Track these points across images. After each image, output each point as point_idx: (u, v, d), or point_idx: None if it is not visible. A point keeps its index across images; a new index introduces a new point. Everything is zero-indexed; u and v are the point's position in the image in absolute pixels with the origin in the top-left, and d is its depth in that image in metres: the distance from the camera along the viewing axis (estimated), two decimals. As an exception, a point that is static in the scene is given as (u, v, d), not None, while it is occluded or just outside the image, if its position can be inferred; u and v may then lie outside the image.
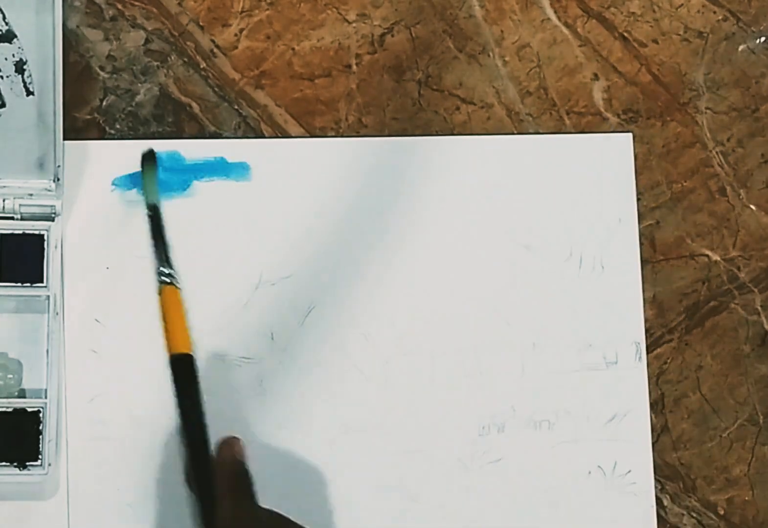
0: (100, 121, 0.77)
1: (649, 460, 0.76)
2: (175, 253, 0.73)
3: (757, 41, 0.81)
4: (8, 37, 0.70)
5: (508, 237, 0.78)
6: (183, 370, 0.70)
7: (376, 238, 0.77)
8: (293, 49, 0.79)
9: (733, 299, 0.79)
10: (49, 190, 0.73)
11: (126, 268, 0.75)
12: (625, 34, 0.81)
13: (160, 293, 0.71)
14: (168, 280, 0.71)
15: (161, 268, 0.71)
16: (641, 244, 0.79)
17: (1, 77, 0.70)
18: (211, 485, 0.67)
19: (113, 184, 0.76)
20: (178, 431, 0.69)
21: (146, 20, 0.78)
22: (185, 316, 0.71)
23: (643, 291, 0.78)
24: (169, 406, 0.73)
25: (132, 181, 0.76)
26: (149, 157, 0.74)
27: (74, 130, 0.76)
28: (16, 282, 0.72)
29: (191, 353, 0.70)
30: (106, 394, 0.74)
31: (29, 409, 0.71)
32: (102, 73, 0.77)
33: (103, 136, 0.77)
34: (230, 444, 0.69)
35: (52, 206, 0.73)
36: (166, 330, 0.70)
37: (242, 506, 0.67)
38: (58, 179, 0.73)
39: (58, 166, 0.72)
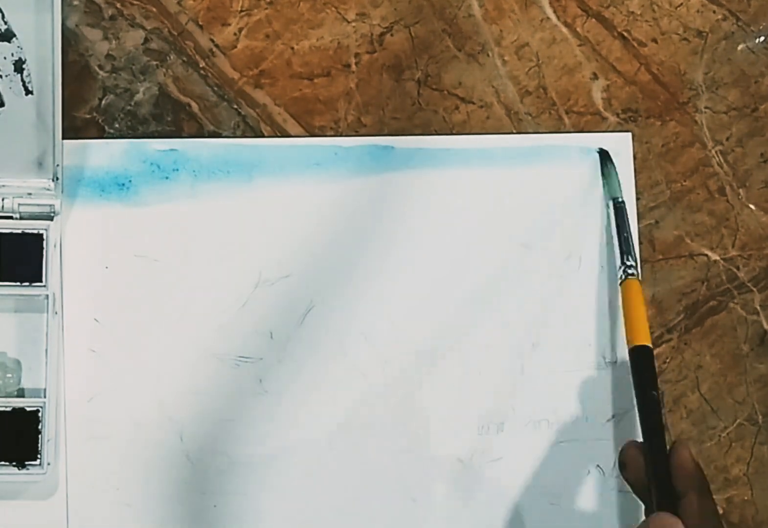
0: (99, 121, 0.77)
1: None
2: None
3: (757, 41, 0.81)
4: (7, 36, 0.69)
5: (507, 237, 0.78)
6: (643, 362, 0.71)
7: (376, 237, 0.77)
8: (292, 48, 0.79)
9: (732, 299, 0.79)
10: (48, 190, 0.73)
11: (125, 267, 0.75)
12: (625, 34, 0.81)
13: (622, 284, 0.73)
14: (632, 272, 0.73)
15: (626, 261, 0.74)
16: (640, 243, 0.79)
17: (0, 76, 0.70)
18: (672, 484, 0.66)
19: (112, 183, 0.76)
20: (639, 422, 0.69)
21: (145, 19, 0.78)
22: (645, 309, 0.72)
23: (643, 290, 0.78)
24: (168, 405, 0.73)
25: (130, 180, 0.76)
26: (607, 156, 0.78)
27: (73, 130, 0.76)
28: (15, 281, 0.72)
29: (650, 345, 0.71)
30: (106, 393, 0.74)
31: (28, 409, 0.71)
32: (101, 73, 0.77)
33: (102, 135, 0.77)
34: (685, 445, 0.68)
35: (51, 205, 0.73)
36: (628, 321, 0.72)
37: (708, 504, 0.66)
38: (57, 178, 0.73)
39: (57, 166, 0.72)
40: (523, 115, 0.80)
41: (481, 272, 0.77)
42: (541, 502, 0.76)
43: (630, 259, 0.74)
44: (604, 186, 0.78)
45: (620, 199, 0.76)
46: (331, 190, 0.77)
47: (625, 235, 0.75)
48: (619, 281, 0.74)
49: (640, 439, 0.75)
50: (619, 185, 0.77)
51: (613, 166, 0.78)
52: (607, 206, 0.77)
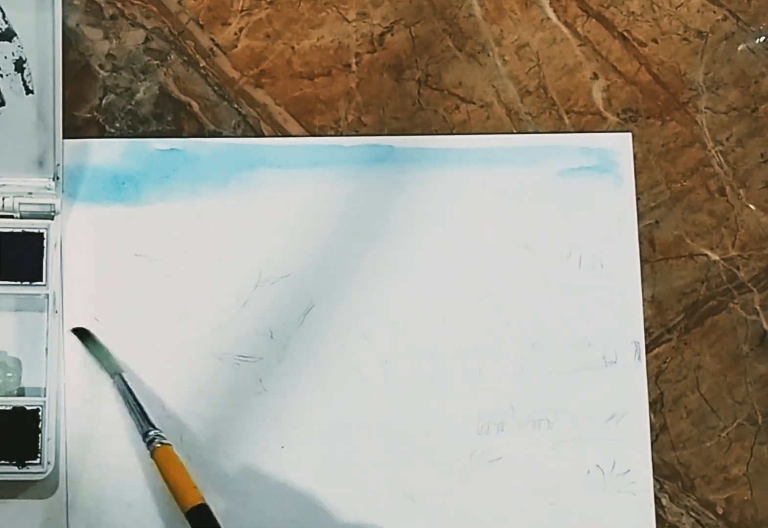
0: (100, 120, 0.77)
1: (647, 459, 0.76)
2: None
3: (757, 41, 0.81)
4: (8, 35, 0.70)
5: (507, 236, 0.78)
6: (203, 520, 0.69)
7: (376, 237, 0.77)
8: (293, 48, 0.79)
9: (732, 299, 0.79)
10: (49, 189, 0.73)
11: (125, 266, 0.75)
12: (625, 34, 0.81)
13: (154, 456, 0.71)
14: (159, 441, 0.71)
15: (148, 432, 0.71)
16: (640, 243, 0.79)
17: (1, 76, 0.70)
18: None
19: (112, 182, 0.76)
20: None
21: (146, 19, 0.78)
22: (185, 469, 0.71)
23: (643, 290, 0.78)
24: (170, 405, 0.73)
25: (130, 179, 0.76)
26: (83, 334, 0.74)
27: (74, 129, 0.76)
28: (16, 280, 0.72)
29: (204, 502, 0.69)
30: (105, 393, 0.74)
31: (28, 408, 0.71)
32: (102, 72, 0.77)
33: (102, 134, 0.77)
34: None
35: (51, 205, 0.73)
36: (174, 488, 0.70)
37: None
38: (58, 178, 0.73)
39: (58, 165, 0.72)
40: (524, 115, 0.80)
41: (481, 272, 0.77)
42: (541, 502, 0.76)
43: (151, 428, 0.71)
44: (100, 366, 0.73)
45: (120, 374, 0.73)
46: (331, 189, 0.77)
47: (138, 406, 0.72)
48: (150, 454, 0.71)
49: (639, 439, 0.76)
50: (114, 359, 0.73)
51: (98, 341, 0.73)
52: (114, 384, 0.73)
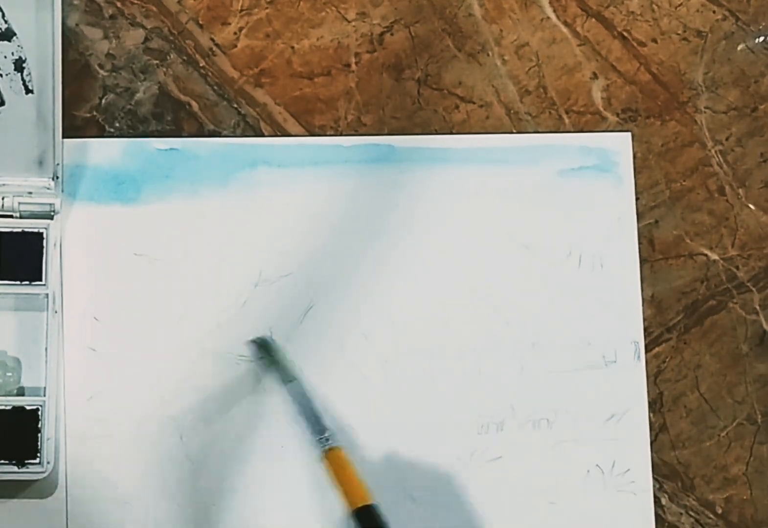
0: (100, 120, 0.77)
1: (647, 459, 0.76)
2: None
3: (757, 40, 0.81)
4: (7, 35, 0.70)
5: (507, 236, 0.78)
6: (371, 520, 0.70)
7: (376, 237, 0.77)
8: (293, 47, 0.79)
9: (731, 298, 0.79)
10: (49, 189, 0.73)
11: (125, 266, 0.75)
12: (625, 34, 0.81)
13: (326, 458, 0.72)
14: (331, 444, 0.72)
15: (321, 436, 0.72)
16: (640, 243, 0.79)
17: (1, 75, 0.70)
18: None
19: (112, 182, 0.76)
20: None
21: (145, 19, 0.78)
22: (355, 470, 0.72)
23: (642, 290, 0.78)
24: (167, 403, 0.73)
25: (130, 179, 0.76)
26: (266, 346, 0.75)
27: (73, 129, 0.76)
28: (15, 280, 0.72)
29: (373, 502, 0.70)
30: (105, 392, 0.74)
31: (28, 407, 0.71)
32: (101, 72, 0.77)
33: (102, 134, 0.77)
34: None
35: (51, 204, 0.73)
36: (344, 489, 0.71)
37: None
38: (58, 177, 0.73)
39: (58, 164, 0.72)
40: (523, 114, 0.80)
41: (481, 271, 0.77)
42: (541, 501, 0.76)
43: (325, 431, 0.73)
44: (277, 373, 0.74)
45: (296, 379, 0.74)
46: (331, 189, 0.77)
47: (313, 412, 0.73)
48: (321, 457, 0.72)
49: (639, 438, 0.76)
50: (288, 366, 0.74)
51: (279, 351, 0.75)
52: (290, 391, 0.74)
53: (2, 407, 0.71)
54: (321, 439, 0.72)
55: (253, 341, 0.75)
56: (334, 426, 0.74)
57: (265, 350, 0.74)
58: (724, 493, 0.78)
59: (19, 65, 0.70)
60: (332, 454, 0.72)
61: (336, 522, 0.74)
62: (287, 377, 0.74)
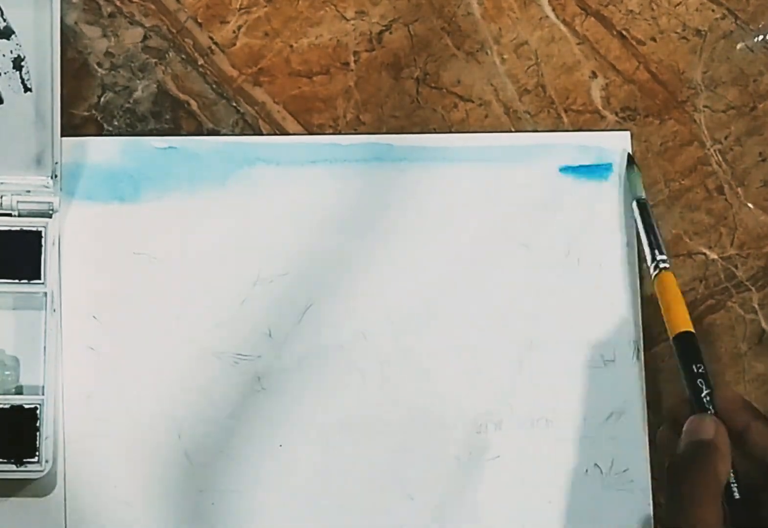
0: (98, 118, 0.77)
1: (646, 458, 0.76)
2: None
3: (756, 39, 0.81)
4: (6, 33, 0.69)
5: (505, 235, 0.78)
6: (687, 347, 0.72)
7: (375, 235, 0.77)
8: (291, 46, 0.79)
9: (730, 297, 0.79)
10: (47, 187, 0.73)
11: (124, 265, 0.75)
12: (624, 32, 0.81)
13: (656, 279, 0.75)
14: (664, 266, 0.75)
15: (658, 256, 0.75)
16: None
17: (-1, 74, 0.70)
18: None
19: (111, 180, 0.76)
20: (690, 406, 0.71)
21: (144, 17, 0.78)
22: (682, 298, 0.74)
23: (641, 289, 0.78)
24: (166, 402, 0.73)
25: (129, 178, 0.76)
26: (631, 159, 0.79)
27: (72, 127, 0.76)
28: (14, 279, 0.72)
29: (692, 330, 0.73)
30: (104, 391, 0.74)
31: (26, 406, 0.71)
32: (100, 70, 0.77)
33: (101, 132, 0.77)
34: (726, 386, 0.76)
35: (49, 203, 0.73)
36: (668, 313, 0.74)
37: None
38: (56, 176, 0.73)
39: (56, 163, 0.72)
40: (522, 113, 0.80)
41: (480, 271, 0.77)
42: (539, 501, 0.76)
43: (662, 253, 0.75)
44: (628, 186, 0.78)
45: (644, 198, 0.77)
46: (329, 188, 0.77)
47: (654, 231, 0.76)
48: (653, 275, 0.75)
49: (638, 437, 0.76)
50: (644, 185, 0.78)
51: (638, 167, 0.78)
52: (636, 205, 0.78)
53: (0, 406, 0.71)
54: (657, 260, 0.75)
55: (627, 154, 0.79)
56: (336, 423, 0.74)
57: (629, 163, 0.79)
58: (722, 493, 0.78)
59: (17, 63, 0.70)
60: (663, 277, 0.74)
61: (335, 521, 0.74)
62: (637, 194, 0.77)
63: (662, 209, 0.79)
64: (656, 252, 0.75)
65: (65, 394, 0.73)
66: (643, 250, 0.76)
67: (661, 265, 0.75)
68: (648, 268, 0.76)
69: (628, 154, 0.79)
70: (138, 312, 0.74)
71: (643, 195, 0.77)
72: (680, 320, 0.73)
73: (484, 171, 0.78)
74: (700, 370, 0.71)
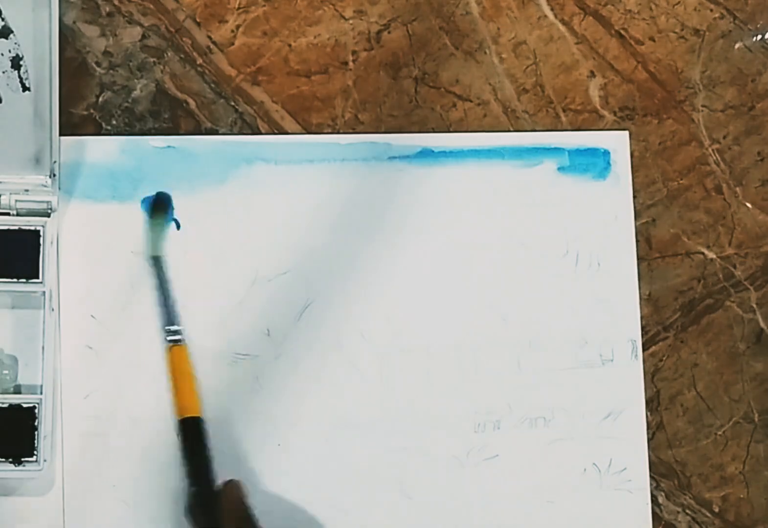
0: (97, 117, 0.77)
1: (644, 457, 0.77)
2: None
3: (754, 39, 0.81)
4: (5, 32, 0.70)
5: (504, 234, 0.78)
6: (193, 433, 0.68)
7: (373, 234, 0.77)
8: (290, 45, 0.79)
9: (728, 297, 0.79)
10: (45, 186, 0.73)
11: (122, 264, 0.75)
12: (622, 32, 0.81)
13: (168, 352, 0.70)
14: (176, 339, 0.70)
15: (168, 327, 0.70)
16: (637, 241, 0.79)
17: (-2, 73, 0.71)
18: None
19: (109, 180, 0.76)
20: (185, 483, 0.68)
21: (143, 16, 0.78)
22: (194, 377, 0.69)
23: (639, 288, 0.78)
24: (165, 402, 0.73)
25: (127, 177, 0.76)
26: (162, 204, 0.72)
27: (70, 126, 0.76)
28: (12, 278, 0.72)
29: (200, 416, 0.68)
30: (102, 390, 0.74)
31: (25, 405, 0.71)
32: (98, 69, 0.77)
33: (99, 132, 0.77)
34: (235, 486, 0.68)
35: (48, 202, 0.73)
36: (176, 392, 0.69)
37: None
38: (54, 175, 0.73)
39: (54, 162, 0.72)
40: (521, 112, 0.80)
41: (478, 269, 0.77)
42: (538, 500, 0.76)
43: (174, 323, 0.69)
44: (146, 241, 0.71)
45: (160, 258, 0.71)
46: (328, 187, 0.77)
47: (167, 297, 0.70)
48: (165, 349, 0.69)
49: (636, 437, 0.76)
50: (163, 241, 0.71)
51: (167, 217, 0.72)
52: (150, 266, 0.71)
53: (-1, 405, 0.71)
54: (169, 331, 0.70)
55: (157, 194, 0.71)
56: (334, 422, 0.74)
57: (157, 208, 0.71)
58: (720, 492, 0.78)
59: (16, 63, 0.70)
60: (175, 351, 0.69)
61: (333, 520, 0.74)
62: (154, 250, 0.71)
63: (660, 209, 0.79)
64: (167, 322, 0.69)
65: (63, 394, 0.73)
66: (158, 312, 0.70)
67: (170, 338, 0.69)
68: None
69: (160, 197, 0.70)
70: (136, 311, 0.74)
71: (161, 252, 0.70)
72: (188, 403, 0.68)
73: (482, 170, 0.78)
74: (204, 461, 0.67)
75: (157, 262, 0.70)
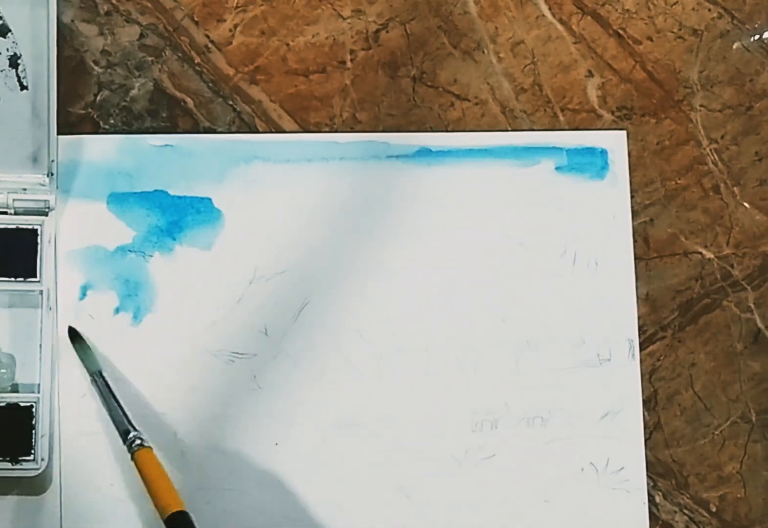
0: (95, 116, 0.77)
1: (641, 457, 0.77)
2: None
3: (752, 39, 0.81)
4: (3, 31, 0.70)
5: (502, 233, 0.78)
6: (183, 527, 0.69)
7: (371, 233, 0.77)
8: (288, 44, 0.79)
9: (726, 297, 0.79)
10: (43, 185, 0.73)
11: (120, 263, 0.75)
12: (620, 32, 0.81)
13: (135, 458, 0.70)
14: (139, 443, 0.70)
15: (128, 434, 0.70)
16: (635, 241, 0.79)
17: (-4, 72, 0.71)
18: None
19: (107, 179, 0.76)
20: None
21: (141, 15, 0.78)
22: (166, 473, 0.70)
23: (637, 288, 0.78)
24: (163, 402, 0.73)
25: (125, 176, 0.76)
26: (73, 334, 0.73)
27: (68, 125, 0.76)
28: (10, 276, 0.72)
29: (184, 509, 0.68)
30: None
31: (22, 404, 0.71)
32: (96, 68, 0.77)
33: (97, 130, 0.77)
34: None
35: (45, 201, 0.73)
36: (154, 493, 0.69)
37: None
38: (52, 174, 0.73)
39: (52, 161, 0.72)
40: (519, 112, 0.80)
41: (476, 269, 0.77)
42: (535, 499, 0.76)
43: (131, 429, 0.70)
44: (82, 362, 0.73)
45: (100, 372, 0.72)
46: (326, 186, 0.77)
47: (118, 406, 0.71)
48: (130, 456, 0.70)
49: (633, 436, 0.76)
50: (95, 357, 0.73)
51: (85, 341, 0.73)
52: (92, 382, 0.72)
53: (-4, 404, 0.71)
54: (128, 439, 0.70)
55: (68, 329, 0.73)
56: (331, 421, 0.74)
57: (72, 338, 0.73)
58: (718, 492, 0.78)
59: (14, 61, 0.70)
60: (141, 455, 0.70)
61: (331, 519, 0.74)
62: (91, 369, 0.72)
63: (658, 208, 0.79)
64: (125, 429, 0.70)
65: (60, 392, 0.73)
66: (112, 425, 0.71)
67: (136, 443, 0.70)
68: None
69: (70, 328, 0.73)
70: (134, 310, 0.74)
71: (98, 368, 0.72)
72: (169, 500, 0.68)
73: (480, 169, 0.78)
74: None
75: (97, 377, 0.72)
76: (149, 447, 0.70)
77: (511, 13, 0.80)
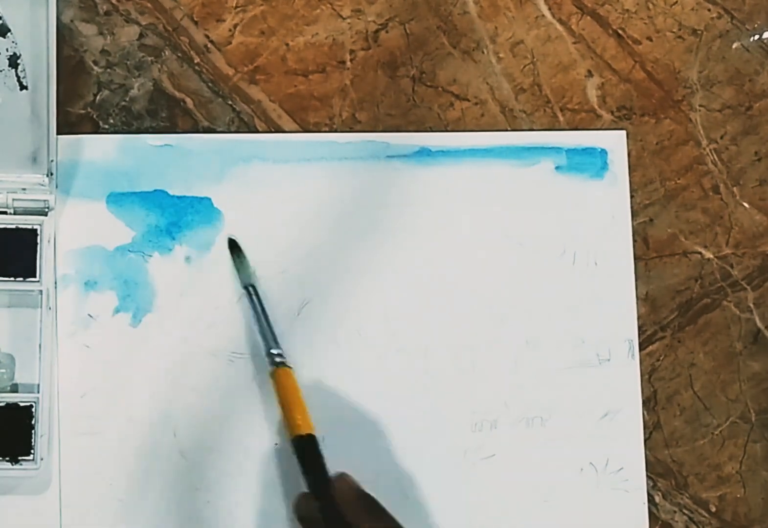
0: (94, 116, 0.77)
1: (641, 457, 0.77)
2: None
3: (752, 39, 0.82)
4: (2, 31, 0.69)
5: (501, 233, 0.78)
6: (309, 450, 0.70)
7: (371, 233, 0.77)
8: (287, 44, 0.79)
9: (725, 297, 0.79)
10: (43, 185, 0.73)
11: (119, 263, 0.75)
12: (620, 32, 0.81)
13: (273, 375, 0.71)
14: (280, 361, 0.72)
15: (272, 350, 0.72)
16: (634, 241, 0.79)
17: (-5, 71, 0.70)
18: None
19: (107, 178, 0.76)
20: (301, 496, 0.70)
21: (140, 15, 0.78)
22: (301, 396, 0.71)
23: (636, 288, 0.78)
24: (162, 401, 0.73)
25: (125, 176, 0.76)
26: (234, 245, 0.75)
27: (68, 125, 0.76)
28: (9, 276, 0.72)
29: (313, 433, 0.70)
30: (99, 389, 0.74)
31: (21, 404, 0.71)
32: (96, 68, 0.77)
33: (96, 130, 0.77)
34: (346, 479, 0.70)
35: (45, 201, 0.73)
36: (287, 412, 0.71)
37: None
38: (52, 174, 0.73)
39: (52, 161, 0.72)
40: (518, 112, 0.80)
41: (475, 269, 0.77)
42: (535, 499, 0.76)
43: (276, 346, 0.72)
44: (237, 273, 0.74)
45: (254, 286, 0.74)
46: (325, 186, 0.77)
47: (267, 322, 0.73)
48: (269, 373, 0.72)
49: (633, 436, 0.76)
50: (252, 270, 0.74)
51: (243, 253, 0.75)
52: (246, 294, 0.74)
53: (-5, 404, 0.71)
54: (272, 354, 0.72)
55: (228, 239, 0.74)
56: (331, 421, 0.74)
57: (231, 248, 0.74)
58: (717, 492, 0.78)
59: (13, 61, 0.70)
60: (281, 373, 0.71)
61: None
62: (246, 281, 0.74)
63: (658, 208, 0.79)
64: (270, 346, 0.72)
65: (60, 392, 0.73)
66: (259, 340, 0.73)
67: (277, 360, 0.72)
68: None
69: (231, 239, 0.75)
70: (133, 310, 0.74)
71: (253, 281, 0.74)
72: (301, 421, 0.70)
73: (480, 169, 0.78)
74: (323, 475, 0.69)
75: (251, 290, 0.73)
76: (290, 367, 0.71)
77: (511, 13, 0.80)
